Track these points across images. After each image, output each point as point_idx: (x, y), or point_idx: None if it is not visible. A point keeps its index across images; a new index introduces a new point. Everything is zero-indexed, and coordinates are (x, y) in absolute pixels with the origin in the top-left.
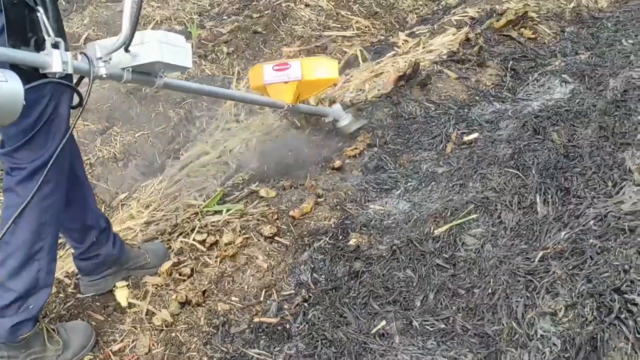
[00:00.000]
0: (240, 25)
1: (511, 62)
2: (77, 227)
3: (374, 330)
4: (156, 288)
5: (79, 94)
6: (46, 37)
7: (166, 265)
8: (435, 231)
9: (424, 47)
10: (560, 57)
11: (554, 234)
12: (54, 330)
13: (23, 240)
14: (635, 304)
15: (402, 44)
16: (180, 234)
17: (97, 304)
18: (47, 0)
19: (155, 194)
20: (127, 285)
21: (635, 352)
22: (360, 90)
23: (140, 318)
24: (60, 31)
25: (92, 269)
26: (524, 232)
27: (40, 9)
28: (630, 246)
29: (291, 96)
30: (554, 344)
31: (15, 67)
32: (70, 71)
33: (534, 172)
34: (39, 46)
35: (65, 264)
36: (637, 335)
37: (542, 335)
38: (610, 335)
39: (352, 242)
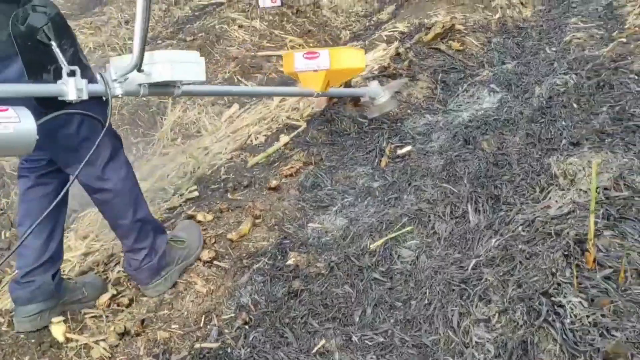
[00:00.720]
0: (175, 49)
1: (441, 74)
2: (36, 246)
3: (314, 350)
4: (94, 321)
5: (96, 119)
6: (62, 66)
7: (104, 297)
8: (372, 245)
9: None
10: (487, 67)
11: (485, 242)
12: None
13: (130, 218)
14: (562, 306)
15: None
16: (117, 263)
17: (33, 340)
18: (60, 32)
19: (93, 224)
20: (64, 320)
21: (563, 353)
22: (295, 109)
23: (78, 353)
24: (74, 57)
25: (27, 298)
26: (457, 241)
27: (53, 42)
28: (557, 249)
29: (320, 84)
30: (488, 350)
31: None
32: (85, 97)
33: (465, 181)
34: (58, 74)
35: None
36: (564, 337)
37: (477, 342)
38: (540, 338)
39: (290, 261)
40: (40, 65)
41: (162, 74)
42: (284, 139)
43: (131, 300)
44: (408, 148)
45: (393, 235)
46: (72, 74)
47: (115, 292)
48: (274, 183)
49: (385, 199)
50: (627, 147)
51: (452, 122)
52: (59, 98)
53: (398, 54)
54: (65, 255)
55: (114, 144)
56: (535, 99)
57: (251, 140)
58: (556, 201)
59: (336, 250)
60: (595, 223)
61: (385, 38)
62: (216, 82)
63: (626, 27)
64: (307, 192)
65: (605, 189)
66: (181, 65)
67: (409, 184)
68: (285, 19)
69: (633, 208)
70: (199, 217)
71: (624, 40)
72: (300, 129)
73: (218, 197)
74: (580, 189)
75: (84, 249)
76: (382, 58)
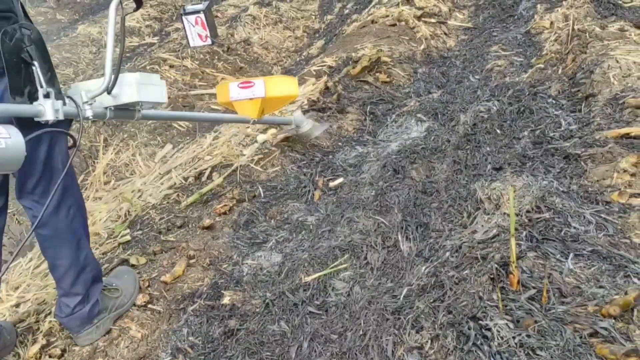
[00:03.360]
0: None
1: (370, 106)
2: None
3: None
4: None
5: (72, 137)
6: (39, 88)
7: (34, 348)
8: (306, 279)
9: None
10: (414, 97)
11: (416, 270)
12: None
13: (70, 259)
14: (489, 329)
15: None
16: (49, 314)
17: None
18: (41, 53)
19: (25, 273)
20: None
21: None
22: (228, 145)
23: None
24: (51, 81)
25: None
26: (390, 270)
27: (35, 63)
28: (483, 273)
29: (256, 111)
30: None
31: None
32: (61, 118)
33: (396, 211)
34: (32, 96)
35: None
36: (493, 359)
37: None
38: None
39: (226, 300)
40: (20, 84)
41: (130, 95)
42: (218, 179)
43: (63, 351)
44: (340, 180)
45: (327, 271)
46: (47, 95)
47: (45, 343)
48: (207, 222)
49: (319, 232)
50: (547, 170)
51: (382, 152)
52: (35, 119)
53: (327, 87)
54: None
55: (72, 177)
56: (461, 126)
57: (184, 181)
58: (482, 225)
59: (271, 287)
60: (519, 245)
61: (314, 72)
62: (149, 123)
63: (543, 53)
64: (242, 230)
65: (528, 211)
66: (146, 87)
67: (342, 216)
68: (216, 57)
69: (554, 229)
70: (132, 260)
71: (542, 66)
72: (233, 167)
73: (152, 239)
74: (505, 213)
75: (15, 299)
76: (311, 92)
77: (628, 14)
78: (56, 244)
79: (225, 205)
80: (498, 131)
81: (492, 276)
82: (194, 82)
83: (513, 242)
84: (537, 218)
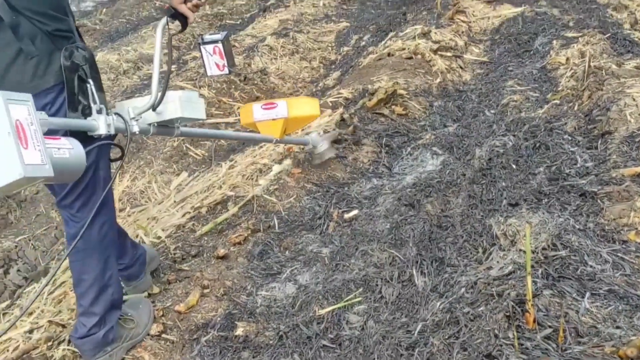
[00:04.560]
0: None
1: (385, 138)
2: None
3: None
4: None
5: (122, 149)
6: (92, 104)
7: None
8: (320, 312)
9: (302, 130)
10: (430, 130)
11: (431, 305)
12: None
13: (96, 274)
14: None
15: None
16: (62, 341)
17: None
18: (94, 73)
19: (39, 299)
20: None
21: None
22: (243, 175)
23: None
24: (102, 98)
25: None
26: (404, 305)
27: (90, 81)
28: (499, 311)
29: (279, 131)
30: None
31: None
32: (112, 132)
33: (410, 244)
34: (84, 112)
35: None
36: None
37: None
38: None
39: (239, 331)
40: (75, 100)
41: (173, 112)
42: (233, 208)
43: None
44: (355, 212)
45: (341, 305)
46: (100, 111)
47: None
48: (222, 252)
49: (334, 264)
50: (563, 207)
51: (397, 185)
52: (89, 133)
53: (343, 119)
54: (9, 334)
55: (109, 194)
56: (476, 160)
57: (199, 209)
58: (498, 262)
59: (285, 319)
60: (535, 283)
61: (330, 104)
62: (165, 151)
63: (559, 89)
64: (256, 260)
65: (544, 249)
66: (187, 104)
67: (357, 249)
68: (233, 86)
69: (570, 267)
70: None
71: (558, 102)
72: (248, 197)
73: (166, 268)
74: (520, 250)
75: (29, 325)
76: (327, 124)
77: None
78: (85, 257)
79: (240, 235)
80: (514, 166)
81: (507, 314)
82: (211, 111)
83: (529, 280)
84: (553, 256)
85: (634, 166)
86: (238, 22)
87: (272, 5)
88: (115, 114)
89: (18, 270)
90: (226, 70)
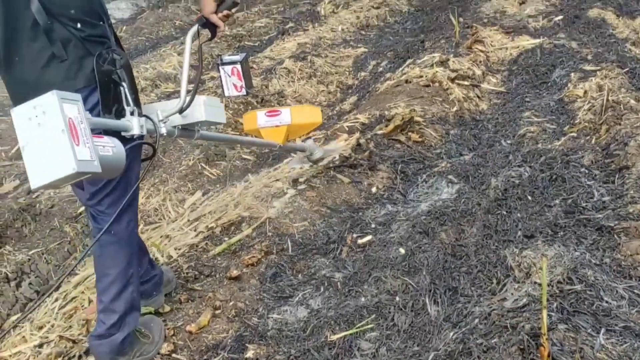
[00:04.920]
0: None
1: (401, 165)
2: None
3: None
4: None
5: (154, 148)
6: (126, 106)
7: None
8: (332, 337)
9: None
10: (446, 158)
11: (443, 335)
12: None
13: (120, 270)
14: None
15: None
16: (73, 357)
17: None
18: (128, 76)
19: (50, 313)
20: None
21: None
22: (257, 197)
23: None
24: (136, 100)
25: None
26: (417, 333)
27: (124, 84)
28: (513, 343)
29: (282, 137)
30: None
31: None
32: (144, 133)
33: (424, 273)
34: (118, 113)
35: None
36: None
37: None
38: None
39: (250, 354)
40: (109, 102)
41: (199, 115)
42: (247, 230)
43: None
44: (369, 238)
45: (353, 331)
46: (133, 113)
47: None
48: (234, 273)
49: (346, 289)
50: (579, 241)
51: (412, 212)
52: (123, 133)
53: (359, 144)
54: (19, 347)
55: (136, 194)
56: (492, 190)
57: (213, 229)
58: (512, 294)
59: (296, 343)
60: (549, 316)
61: (347, 129)
62: (180, 169)
63: (577, 121)
64: (268, 283)
65: (559, 282)
66: (211, 108)
67: (370, 275)
68: (250, 107)
69: (586, 302)
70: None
71: (575, 135)
72: (262, 219)
73: (178, 287)
74: (535, 282)
75: (39, 339)
76: (344, 148)
77: None
78: (112, 251)
79: (253, 256)
80: (529, 198)
81: (521, 347)
82: (227, 132)
83: (544, 314)
84: (569, 290)
85: None
86: (257, 44)
87: (290, 28)
88: (144, 116)
89: (30, 284)
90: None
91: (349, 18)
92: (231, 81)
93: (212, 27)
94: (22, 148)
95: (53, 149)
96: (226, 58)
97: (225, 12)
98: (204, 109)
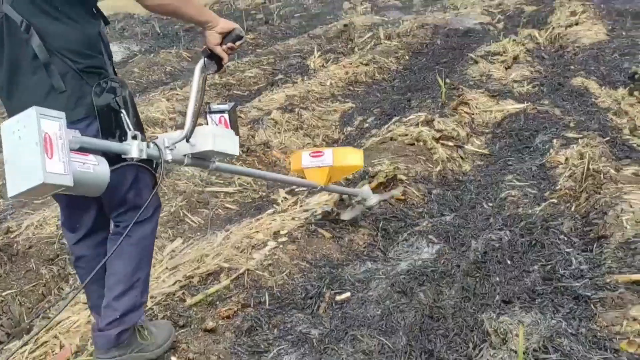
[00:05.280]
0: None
1: (382, 222)
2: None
3: None
4: None
5: (152, 172)
6: (127, 131)
7: None
8: None
9: (301, 206)
10: (427, 218)
11: None
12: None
13: (127, 271)
14: None
15: (282, 201)
16: None
17: None
18: (128, 102)
19: (20, 358)
20: None
21: None
22: (237, 247)
23: None
24: (138, 125)
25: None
26: None
27: (123, 111)
28: None
29: (324, 179)
30: None
31: (105, 153)
32: (144, 157)
33: (401, 333)
34: (121, 138)
35: None
36: None
37: None
38: None
39: None
40: (111, 128)
41: (205, 144)
42: (225, 281)
43: None
44: (347, 295)
45: None
46: (134, 137)
47: None
48: (210, 324)
49: (322, 347)
50: (556, 309)
51: (391, 271)
52: (122, 156)
53: (342, 199)
54: None
55: (158, 205)
56: (472, 252)
57: (191, 278)
58: (488, 359)
59: None
60: None
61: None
62: (162, 215)
63: (557, 188)
64: (244, 336)
65: (535, 350)
66: (221, 139)
67: (346, 333)
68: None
69: None
70: None
71: (555, 201)
72: (241, 270)
73: None
74: (512, 349)
75: None
76: (326, 202)
77: None
78: (130, 252)
79: (230, 309)
80: (509, 262)
81: None
82: (211, 179)
83: None
84: (544, 359)
85: (629, 273)
86: (245, 94)
87: (280, 80)
88: (153, 142)
89: (1, 326)
90: None
91: (338, 73)
92: None
93: (218, 59)
94: (5, 161)
95: (27, 161)
96: (214, 107)
97: (230, 44)
98: (212, 139)
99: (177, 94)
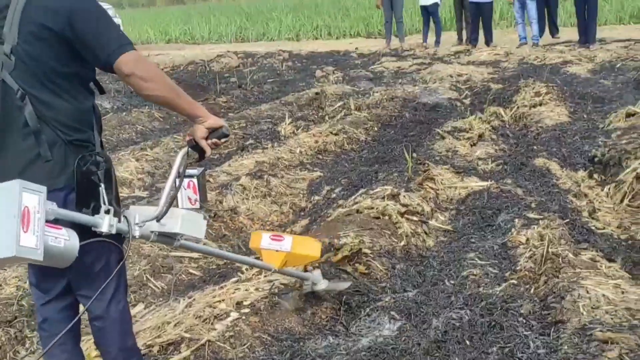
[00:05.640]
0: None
1: (345, 296)
2: None
3: None
4: None
5: (121, 249)
6: (102, 205)
7: None
8: None
9: (265, 276)
10: (390, 293)
11: None
12: None
13: (120, 344)
14: None
15: (246, 269)
16: None
17: None
18: (108, 178)
19: None
20: None
21: None
22: (199, 317)
23: None
24: (116, 199)
25: None
26: None
27: (102, 185)
28: None
29: (279, 262)
30: None
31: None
32: (114, 232)
33: None
34: (95, 210)
35: None
36: None
37: None
38: None
39: None
40: (87, 199)
41: (173, 226)
42: (185, 351)
43: None
44: None
45: None
46: (107, 212)
47: None
48: None
49: None
50: None
51: (352, 347)
52: (93, 228)
53: (306, 270)
54: None
55: (123, 278)
56: (432, 330)
57: (152, 347)
58: None
59: None
60: None
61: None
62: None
63: (518, 268)
64: None
65: None
66: (189, 222)
67: None
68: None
69: None
70: None
71: (515, 282)
72: (202, 341)
73: None
74: None
75: None
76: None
77: (600, 241)
78: (109, 332)
79: None
80: (468, 342)
81: None
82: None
83: None
84: None
85: None
86: (215, 157)
87: (250, 145)
88: (124, 216)
89: None
90: (197, 205)
91: (308, 141)
92: (186, 194)
93: (201, 151)
94: None
95: (3, 231)
96: None
97: (215, 140)
98: (181, 222)
99: (147, 155)
